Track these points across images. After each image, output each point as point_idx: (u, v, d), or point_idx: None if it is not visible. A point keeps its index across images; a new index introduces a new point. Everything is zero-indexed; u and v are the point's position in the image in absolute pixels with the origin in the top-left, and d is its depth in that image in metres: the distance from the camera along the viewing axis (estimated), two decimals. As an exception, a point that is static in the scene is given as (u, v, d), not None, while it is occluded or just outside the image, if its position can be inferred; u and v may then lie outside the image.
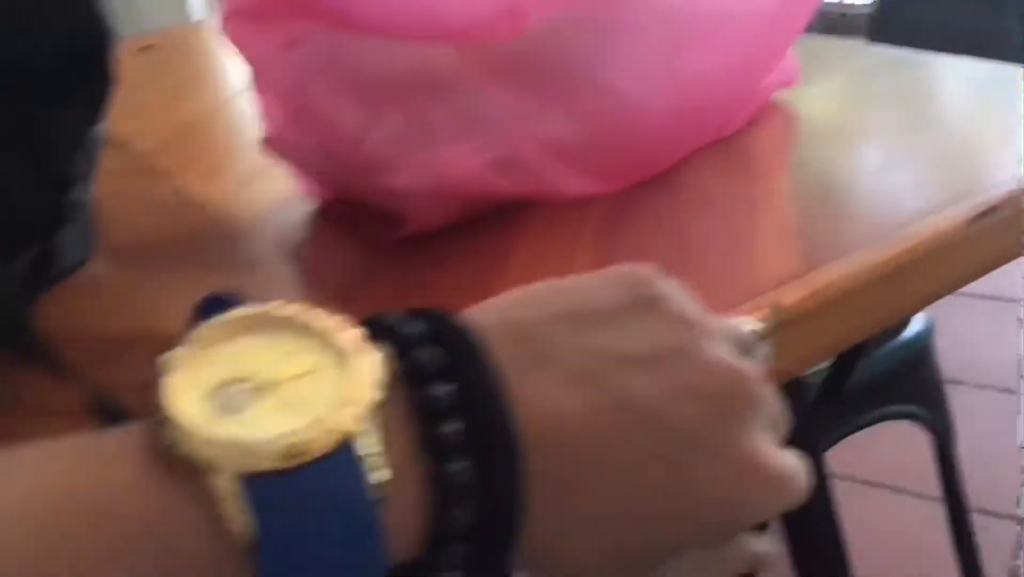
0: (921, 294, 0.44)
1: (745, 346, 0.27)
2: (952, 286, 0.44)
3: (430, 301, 0.43)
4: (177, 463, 0.19)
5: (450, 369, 0.21)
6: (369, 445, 0.19)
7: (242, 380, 0.20)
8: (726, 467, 0.24)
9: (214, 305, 0.23)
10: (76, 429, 0.36)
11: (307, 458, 0.19)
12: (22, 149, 0.26)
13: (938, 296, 0.44)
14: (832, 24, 0.79)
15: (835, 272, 0.40)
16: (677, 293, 0.25)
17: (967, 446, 1.00)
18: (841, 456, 0.89)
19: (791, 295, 0.39)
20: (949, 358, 1.00)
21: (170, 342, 0.20)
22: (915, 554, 1.27)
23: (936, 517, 1.04)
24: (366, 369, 0.20)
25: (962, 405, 1.08)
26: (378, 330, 0.22)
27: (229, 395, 0.20)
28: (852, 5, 1.98)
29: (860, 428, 0.84)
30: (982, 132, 0.55)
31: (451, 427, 0.20)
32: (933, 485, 1.00)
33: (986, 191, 0.45)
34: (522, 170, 0.46)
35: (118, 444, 0.20)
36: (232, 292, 0.23)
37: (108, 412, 0.26)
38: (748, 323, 0.28)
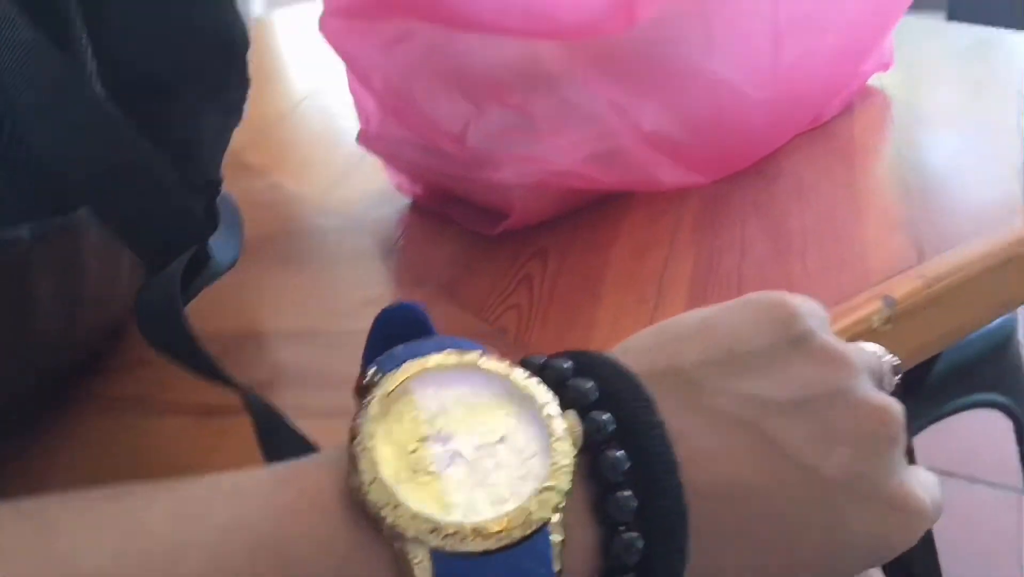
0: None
1: (880, 373, 0.27)
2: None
3: (535, 295, 0.44)
4: (368, 515, 0.19)
5: (624, 435, 0.22)
6: (559, 531, 0.20)
7: (437, 438, 0.20)
8: (878, 507, 0.24)
9: (396, 318, 0.23)
10: (203, 427, 0.37)
11: (504, 542, 0.19)
12: (174, 151, 0.27)
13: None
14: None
15: (947, 263, 0.40)
16: (819, 319, 0.25)
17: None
18: (919, 444, 0.88)
19: (903, 287, 0.39)
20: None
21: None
22: (992, 542, 1.24)
23: (1015, 507, 1.01)
24: (566, 453, 0.21)
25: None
26: (547, 378, 0.22)
27: (423, 455, 0.20)
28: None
29: (943, 417, 0.83)
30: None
31: (623, 495, 0.21)
32: (1013, 474, 0.98)
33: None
34: (623, 162, 0.46)
35: (308, 488, 0.20)
36: (413, 304, 0.23)
37: (263, 413, 0.27)
38: (876, 350, 0.28)
